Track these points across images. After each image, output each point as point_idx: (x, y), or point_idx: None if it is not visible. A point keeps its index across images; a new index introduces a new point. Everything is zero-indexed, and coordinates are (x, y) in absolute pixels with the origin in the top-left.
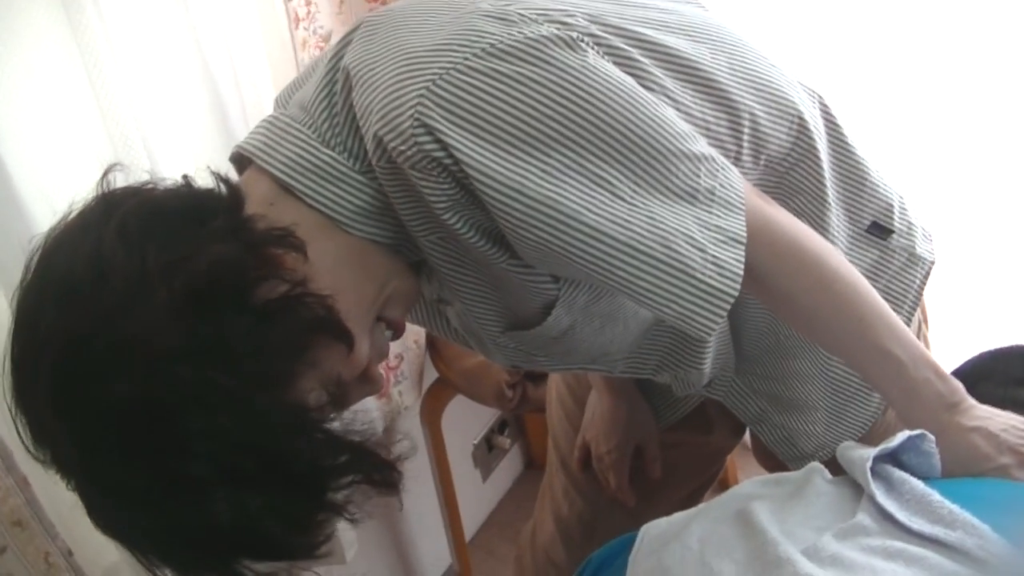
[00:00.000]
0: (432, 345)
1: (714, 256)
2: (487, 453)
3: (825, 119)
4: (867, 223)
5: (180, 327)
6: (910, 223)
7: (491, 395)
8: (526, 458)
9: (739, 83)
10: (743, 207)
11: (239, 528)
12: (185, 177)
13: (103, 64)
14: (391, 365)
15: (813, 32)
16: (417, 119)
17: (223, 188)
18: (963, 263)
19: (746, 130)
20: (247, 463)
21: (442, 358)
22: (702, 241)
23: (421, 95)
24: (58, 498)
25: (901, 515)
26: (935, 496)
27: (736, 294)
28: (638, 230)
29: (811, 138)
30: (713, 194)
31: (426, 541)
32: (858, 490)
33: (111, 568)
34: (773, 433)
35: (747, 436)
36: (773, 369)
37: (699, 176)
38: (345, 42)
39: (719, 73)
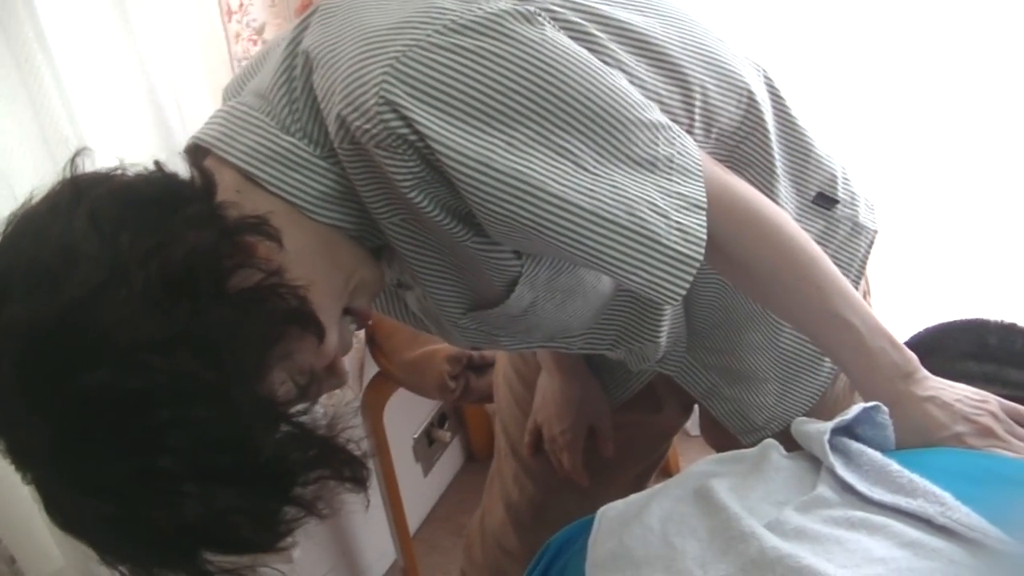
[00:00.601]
0: (372, 339)
1: (678, 222)
2: (428, 447)
3: (770, 92)
4: (813, 194)
5: (156, 316)
6: (853, 193)
7: (433, 387)
8: (466, 451)
9: (690, 57)
10: (702, 174)
11: (205, 522)
12: (157, 163)
13: (33, 56)
14: None
15: (751, 5)
16: (382, 97)
17: (196, 175)
18: (904, 235)
19: (698, 103)
20: (218, 456)
21: (382, 352)
22: (665, 208)
23: (385, 73)
24: None
25: (861, 486)
26: (894, 466)
27: (701, 258)
28: (603, 199)
29: (759, 111)
30: (672, 162)
31: (370, 537)
32: (815, 464)
33: (55, 575)
34: (724, 407)
35: (692, 421)
36: (724, 342)
37: (657, 144)
38: (302, 27)
39: (671, 47)
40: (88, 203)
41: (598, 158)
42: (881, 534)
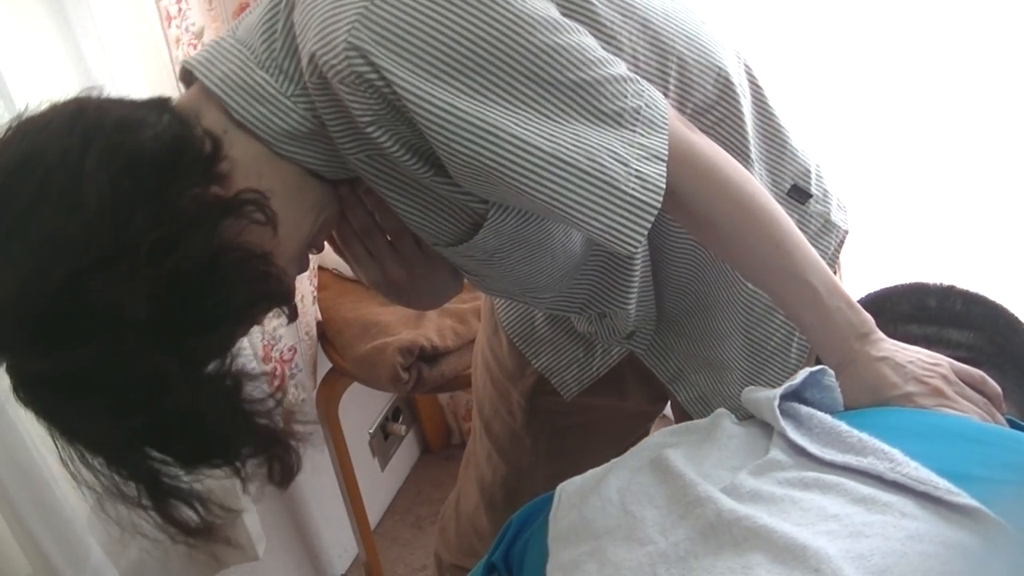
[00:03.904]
0: (324, 336)
1: (637, 170)
2: (383, 441)
3: (750, 82)
4: (788, 186)
5: (153, 303)
6: (826, 190)
7: (386, 379)
8: (422, 444)
9: (671, 29)
10: (666, 127)
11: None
12: (169, 108)
13: None
14: (285, 359)
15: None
16: (350, 43)
17: (207, 139)
18: (877, 237)
19: (673, 73)
20: (171, 434)
21: (334, 347)
22: (625, 156)
23: (357, 16)
24: None
25: (813, 447)
26: (843, 426)
27: (658, 206)
28: (564, 144)
29: (735, 96)
30: (639, 113)
31: (332, 532)
32: (767, 430)
33: None
34: (689, 392)
35: (669, 410)
36: (693, 328)
37: (626, 96)
38: None
39: (653, 16)
40: (97, 153)
41: (561, 109)
42: (834, 492)
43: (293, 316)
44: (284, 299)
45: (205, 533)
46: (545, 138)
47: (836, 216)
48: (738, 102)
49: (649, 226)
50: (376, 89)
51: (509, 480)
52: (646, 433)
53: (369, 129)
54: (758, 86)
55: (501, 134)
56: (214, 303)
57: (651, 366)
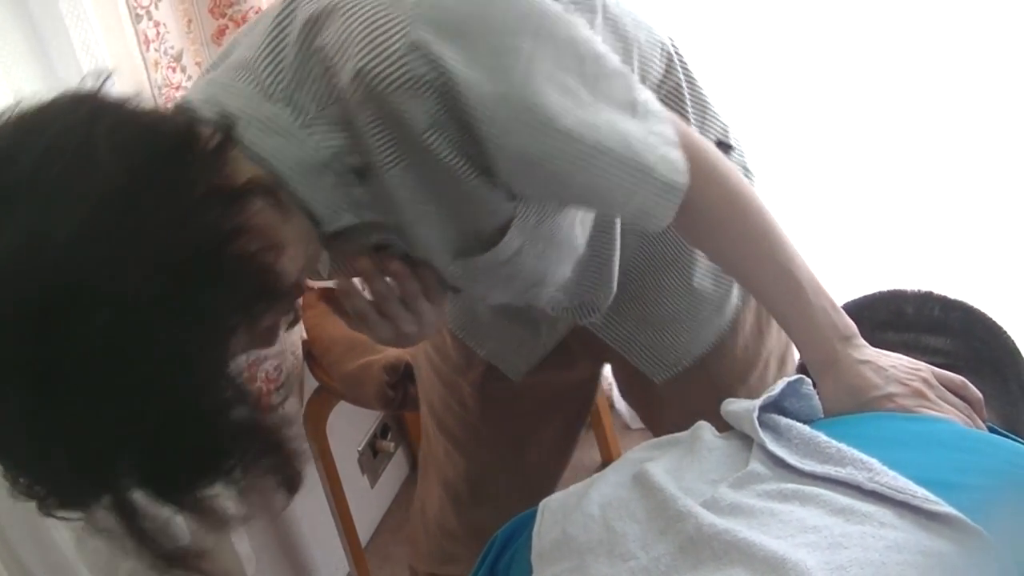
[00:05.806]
0: (310, 354)
1: (663, 155)
2: (372, 459)
3: (675, 52)
4: (713, 142)
5: (157, 284)
6: (738, 140)
7: (373, 397)
8: (411, 460)
9: (622, 13)
10: (667, 116)
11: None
12: (182, 107)
13: None
14: (271, 378)
15: None
16: (412, 42)
17: (218, 134)
18: (856, 245)
19: (635, 56)
20: (175, 430)
21: (321, 366)
22: (652, 143)
23: (413, 14)
24: None
25: (792, 459)
26: (821, 437)
27: (686, 187)
28: (603, 132)
29: (675, 67)
30: (647, 105)
31: (322, 552)
32: (747, 442)
33: None
34: (641, 353)
35: (632, 415)
36: (642, 289)
37: (633, 88)
38: (292, 3)
39: (608, 2)
40: (105, 127)
41: (593, 99)
42: (813, 503)
43: (295, 321)
44: (286, 297)
45: (191, 558)
46: (587, 127)
47: (750, 164)
48: (678, 73)
49: (678, 205)
50: (434, 89)
51: (471, 472)
52: (592, 395)
53: (425, 135)
54: (681, 55)
55: (551, 124)
56: (217, 290)
57: (604, 336)
